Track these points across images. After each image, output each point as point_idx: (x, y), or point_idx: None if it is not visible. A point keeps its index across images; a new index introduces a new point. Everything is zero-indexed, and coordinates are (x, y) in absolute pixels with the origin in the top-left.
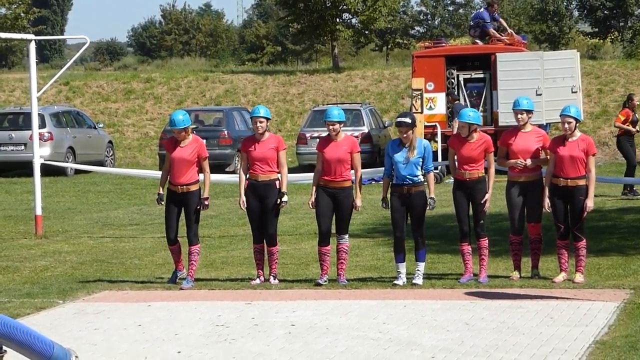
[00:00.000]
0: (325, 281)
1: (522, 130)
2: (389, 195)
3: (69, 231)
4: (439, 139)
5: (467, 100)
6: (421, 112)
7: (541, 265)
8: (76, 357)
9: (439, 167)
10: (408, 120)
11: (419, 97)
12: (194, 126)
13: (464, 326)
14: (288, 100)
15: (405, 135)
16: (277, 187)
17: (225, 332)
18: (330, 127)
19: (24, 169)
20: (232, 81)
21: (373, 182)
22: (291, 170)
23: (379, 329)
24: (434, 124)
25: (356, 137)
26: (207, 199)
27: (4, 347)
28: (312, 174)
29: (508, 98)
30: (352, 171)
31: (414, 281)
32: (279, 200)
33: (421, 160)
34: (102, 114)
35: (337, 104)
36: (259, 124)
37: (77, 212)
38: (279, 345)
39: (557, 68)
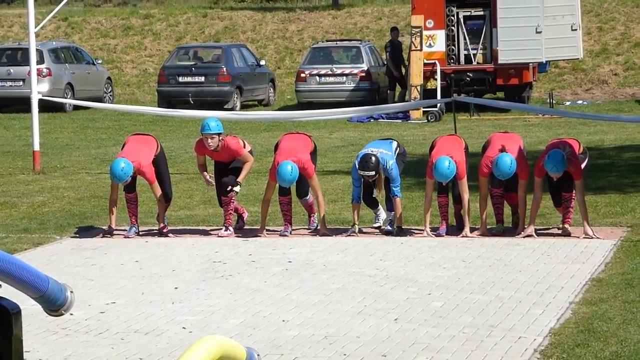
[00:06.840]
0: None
1: None
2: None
3: (66, 167)
4: (438, 76)
5: (467, 38)
6: (420, 50)
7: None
8: (71, 292)
9: (438, 105)
10: (372, 173)
11: (419, 34)
12: (192, 63)
13: (461, 263)
14: (287, 37)
15: (372, 181)
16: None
17: (222, 269)
18: (209, 140)
19: (22, 104)
20: (232, 18)
21: (372, 120)
22: (290, 108)
23: (376, 265)
24: (433, 61)
25: (355, 74)
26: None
27: None
28: (312, 111)
29: (508, 36)
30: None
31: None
32: (230, 187)
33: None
34: (100, 50)
35: (336, 40)
36: (210, 141)
37: (75, 148)
38: (275, 282)
39: (557, 5)
